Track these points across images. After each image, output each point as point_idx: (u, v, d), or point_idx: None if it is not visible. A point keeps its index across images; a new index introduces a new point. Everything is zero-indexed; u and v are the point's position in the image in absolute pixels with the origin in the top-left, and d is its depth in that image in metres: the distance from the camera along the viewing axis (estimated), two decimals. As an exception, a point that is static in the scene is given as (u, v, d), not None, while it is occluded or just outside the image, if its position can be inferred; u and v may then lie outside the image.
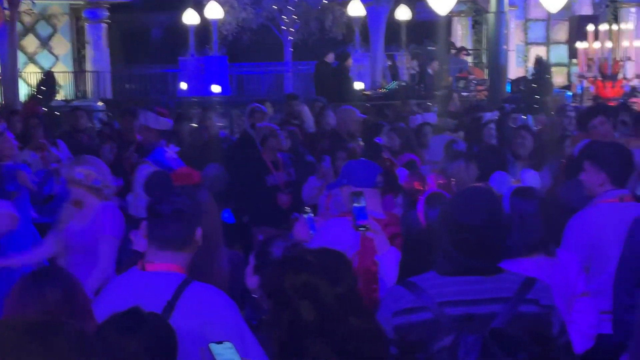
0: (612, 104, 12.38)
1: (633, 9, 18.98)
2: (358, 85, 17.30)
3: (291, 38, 22.51)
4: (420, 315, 2.77)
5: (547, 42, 19.31)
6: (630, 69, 13.87)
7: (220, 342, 2.47)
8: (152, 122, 6.50)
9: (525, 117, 8.76)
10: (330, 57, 14.80)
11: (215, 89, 19.66)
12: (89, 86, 20.72)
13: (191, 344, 2.74)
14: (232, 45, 22.77)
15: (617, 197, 4.24)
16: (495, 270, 2.86)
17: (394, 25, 20.40)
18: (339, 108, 9.40)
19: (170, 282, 3.02)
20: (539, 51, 18.24)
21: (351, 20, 21.09)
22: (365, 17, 20.09)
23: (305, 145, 8.79)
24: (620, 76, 12.72)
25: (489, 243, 2.83)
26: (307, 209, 4.22)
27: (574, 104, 13.67)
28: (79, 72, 20.99)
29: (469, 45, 19.81)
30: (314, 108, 10.82)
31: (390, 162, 6.92)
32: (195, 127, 10.07)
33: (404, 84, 16.78)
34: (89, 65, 20.83)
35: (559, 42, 19.02)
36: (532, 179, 4.41)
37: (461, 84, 15.95)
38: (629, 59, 12.86)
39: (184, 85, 20.83)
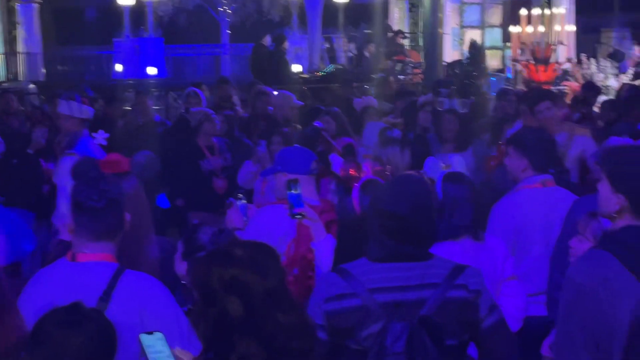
0: (545, 87, 12.62)
1: (566, -6, 19.30)
2: (296, 68, 17.25)
3: (228, 19, 22.29)
4: (350, 301, 2.79)
5: (482, 25, 19.48)
6: (562, 53, 14.11)
7: (150, 333, 2.45)
8: (76, 111, 6.37)
9: (450, 101, 8.85)
10: (267, 40, 14.72)
11: (151, 71, 19.39)
12: (21, 68, 20.20)
13: (129, 334, 2.72)
14: (168, 27, 22.45)
15: (539, 182, 4.33)
16: (426, 256, 2.88)
17: (331, 8, 20.36)
18: (277, 93, 9.36)
19: (104, 272, 3.00)
20: (474, 35, 18.40)
21: (289, 2, 21.00)
22: (303, -2, 20.03)
23: (242, 129, 8.74)
24: (552, 60, 12.94)
25: (417, 230, 2.85)
26: (240, 195, 4.19)
27: (507, 87, 13.90)
28: (10, 53, 20.44)
29: (405, 28, 19.90)
30: (250, 91, 10.75)
31: (327, 146, 6.92)
32: (129, 110, 9.93)
33: (340, 67, 16.79)
34: (20, 47, 20.31)
35: (493, 26, 19.23)
36: (458, 163, 4.48)
37: (398, 67, 16.03)
38: (561, 43, 13.08)
39: (119, 68, 20.48)
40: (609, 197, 2.89)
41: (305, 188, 4.02)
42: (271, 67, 13.72)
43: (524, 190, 4.34)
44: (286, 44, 14.57)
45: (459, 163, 4.50)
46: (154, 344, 2.42)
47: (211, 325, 2.17)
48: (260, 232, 4.14)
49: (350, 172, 4.72)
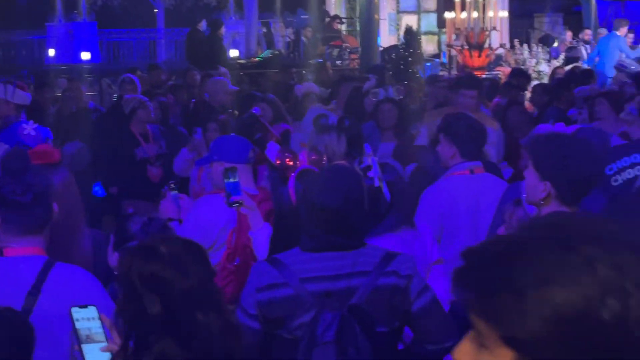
0: (479, 73, 12.78)
1: (499, -20, 19.49)
2: (233, 53, 17.13)
3: (163, 3, 22.01)
4: (282, 291, 2.81)
5: (418, 10, 19.61)
6: (495, 39, 14.29)
7: (84, 306, 2.38)
8: (10, 95, 6.22)
9: (385, 90, 8.89)
10: (202, 25, 14.57)
11: (85, 56, 19.05)
12: (-52, 53, 19.68)
13: (60, 328, 2.68)
14: (102, 11, 22.08)
15: (467, 169, 4.41)
16: (358, 245, 2.91)
17: (268, -8, 20.28)
18: (211, 79, 9.29)
19: (33, 265, 2.96)
20: (411, 20, 18.50)
21: (225, -15, 20.83)
22: (239, -17, 19.87)
23: (186, 115, 8.69)
24: (486, 45, 13.09)
25: (349, 221, 2.87)
26: (172, 185, 4.13)
27: (442, 72, 14.04)
28: (-63, 38, 19.89)
29: (342, 13, 19.92)
30: (186, 77, 10.67)
31: (265, 133, 6.89)
32: (62, 97, 9.74)
33: (277, 52, 16.73)
34: (-53, 31, 19.77)
35: (429, 11, 19.36)
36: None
37: (335, 52, 16.04)
38: (494, 28, 13.24)
39: (51, 52, 20.07)
40: (535, 185, 2.95)
41: (243, 177, 4.00)
42: (207, 53, 13.60)
43: (452, 177, 4.43)
44: (222, 30, 14.45)
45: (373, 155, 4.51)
46: (85, 317, 2.35)
47: (130, 322, 2.15)
48: (199, 223, 4.11)
49: (286, 161, 4.70)
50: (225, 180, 3.75)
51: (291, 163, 4.69)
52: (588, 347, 1.09)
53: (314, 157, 4.79)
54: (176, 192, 4.10)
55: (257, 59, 16.19)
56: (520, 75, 10.04)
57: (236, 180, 3.75)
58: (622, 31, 14.57)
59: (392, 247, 3.15)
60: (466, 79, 6.70)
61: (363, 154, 4.13)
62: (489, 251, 1.16)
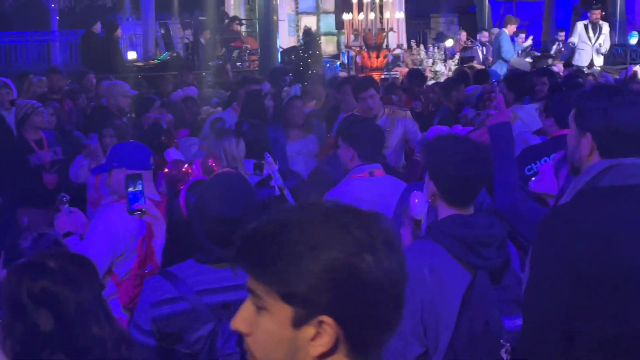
0: (377, 73, 12.93)
1: (395, -19, 19.75)
2: (131, 55, 16.83)
3: (54, 5, 21.42)
4: (177, 305, 2.75)
5: (317, 11, 19.72)
6: (392, 40, 14.46)
7: None
8: None
9: (295, 87, 8.91)
10: (97, 27, 14.25)
11: (-25, 59, 18.38)
12: None
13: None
14: (-8, 13, 21.35)
15: (366, 172, 4.43)
16: None
17: (165, -8, 20.00)
18: (108, 82, 9.09)
19: None
20: (310, 21, 18.59)
21: (120, -14, 20.45)
22: (135, -17, 19.54)
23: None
24: (383, 46, 13.22)
25: None
26: (64, 198, 3.98)
27: (342, 73, 14.14)
28: None
29: (242, 14, 19.83)
30: (83, 81, 10.42)
31: (167, 138, 6.78)
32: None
33: (175, 54, 16.52)
34: None
35: (327, 12, 19.50)
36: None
37: (235, 54, 15.96)
38: (391, 29, 13.38)
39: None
40: (427, 184, 3.01)
41: (145, 184, 3.92)
42: (103, 56, 13.29)
43: (352, 179, 4.43)
44: (119, 32, 14.16)
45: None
46: None
47: (19, 340, 2.09)
48: (108, 233, 4.00)
49: (177, 172, 4.61)
50: (128, 189, 3.66)
51: (185, 171, 4.62)
52: (352, 293, 1.36)
53: (210, 162, 4.73)
54: (67, 205, 3.96)
55: (155, 61, 15.95)
56: (415, 76, 10.22)
57: (137, 188, 3.66)
58: (511, 29, 14.94)
59: None
60: (361, 82, 6.74)
61: (264, 162, 4.08)
62: (264, 229, 1.40)
